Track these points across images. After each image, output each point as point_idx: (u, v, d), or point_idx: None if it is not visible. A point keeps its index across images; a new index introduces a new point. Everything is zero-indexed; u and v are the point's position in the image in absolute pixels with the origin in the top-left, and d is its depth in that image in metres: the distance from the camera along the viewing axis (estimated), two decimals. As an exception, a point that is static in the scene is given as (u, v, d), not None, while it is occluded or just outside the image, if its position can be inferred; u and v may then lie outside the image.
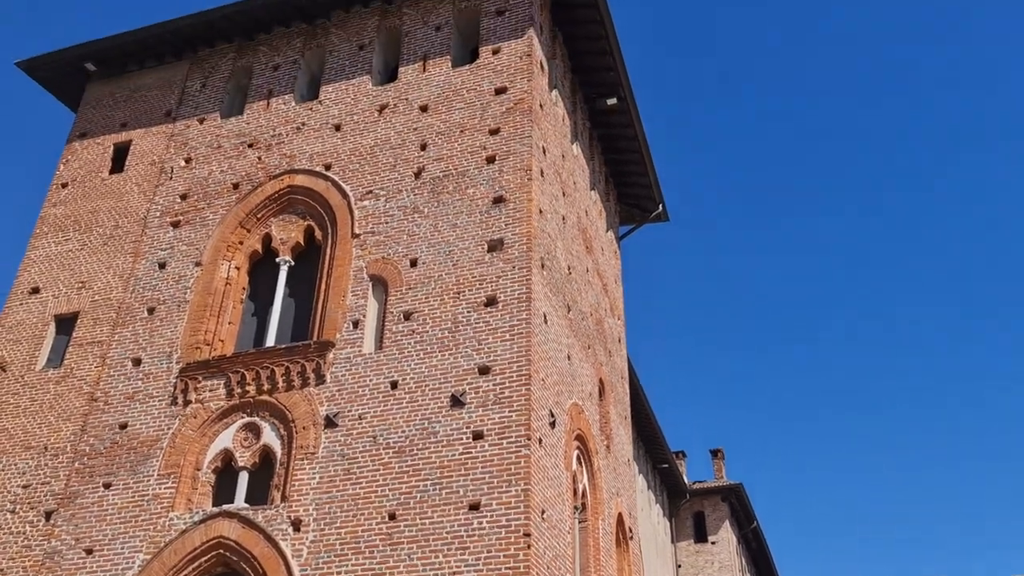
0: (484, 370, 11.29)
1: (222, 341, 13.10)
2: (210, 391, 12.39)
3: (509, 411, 10.90)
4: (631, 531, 15.74)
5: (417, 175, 13.40)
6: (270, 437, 11.84)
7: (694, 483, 33.62)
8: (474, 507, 10.31)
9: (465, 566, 9.97)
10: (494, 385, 11.18)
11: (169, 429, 12.22)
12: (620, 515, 15.17)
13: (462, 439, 10.87)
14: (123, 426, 12.46)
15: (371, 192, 13.54)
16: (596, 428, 14.55)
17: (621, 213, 20.17)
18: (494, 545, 10.01)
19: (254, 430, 11.98)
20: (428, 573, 10.06)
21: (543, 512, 10.61)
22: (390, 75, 15.19)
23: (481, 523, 10.21)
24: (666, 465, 29.34)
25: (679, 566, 32.16)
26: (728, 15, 52.94)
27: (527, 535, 9.98)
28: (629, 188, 19.65)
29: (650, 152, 18.47)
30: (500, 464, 10.55)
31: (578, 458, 13.26)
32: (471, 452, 10.75)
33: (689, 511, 32.76)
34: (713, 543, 32.34)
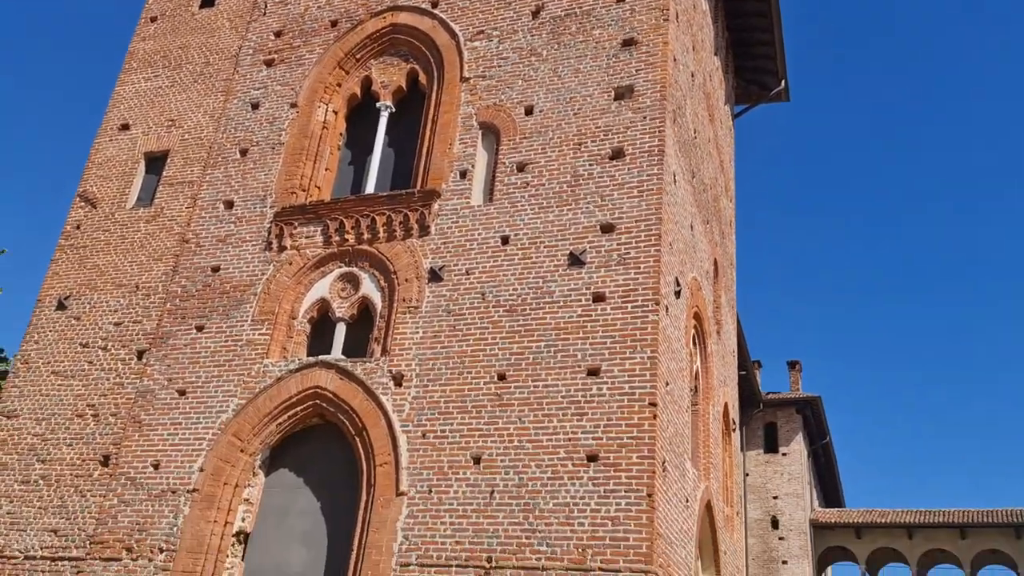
0: (607, 228, 10.18)
1: (318, 187, 12.23)
2: (306, 238, 11.60)
3: (635, 273, 9.83)
4: (734, 422, 14.82)
5: (535, 14, 12.01)
6: (369, 288, 11.05)
7: (768, 394, 32.58)
8: (593, 372, 9.40)
9: (582, 432, 9.13)
10: (618, 244, 10.08)
11: (263, 275, 11.52)
12: (726, 404, 14.22)
13: (581, 300, 9.88)
14: (215, 269, 11.82)
15: (483, 32, 12.23)
16: (710, 310, 13.44)
17: (737, 90, 18.45)
18: (615, 413, 9.12)
19: (352, 280, 11.20)
20: (540, 437, 9.26)
21: (667, 384, 9.65)
22: (506, -94, 13.58)
23: (601, 389, 9.30)
24: (743, 372, 28.28)
25: (747, 475, 31.46)
26: None
27: (653, 404, 9.05)
28: (750, 60, 17.86)
29: (781, 17, 16.60)
30: (623, 329, 9.56)
31: (694, 338, 12.22)
32: (591, 315, 9.76)
33: (760, 421, 31.78)
34: (784, 454, 31.48)
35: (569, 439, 9.13)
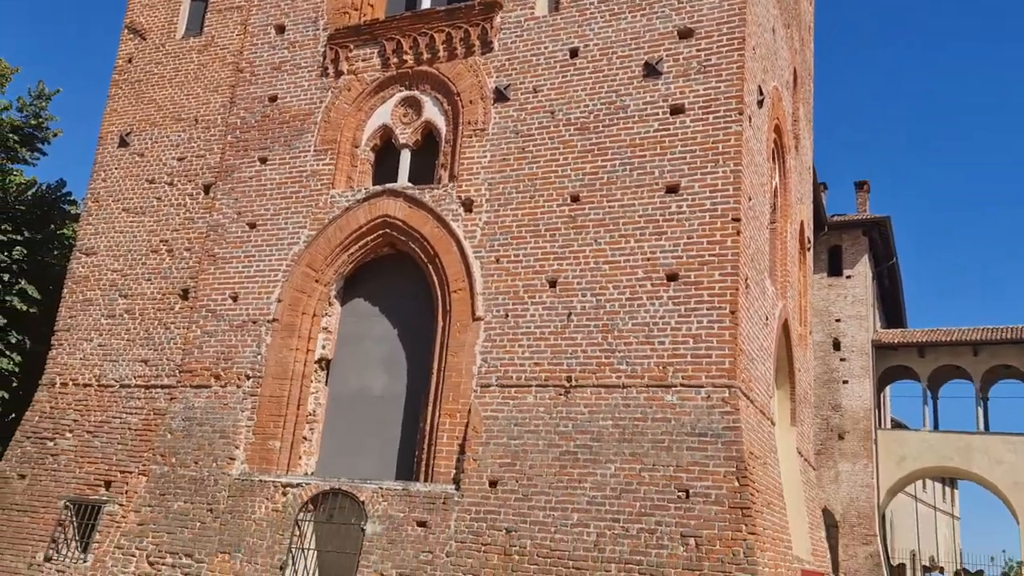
0: (685, 34, 9.41)
1: (371, 5, 11.53)
2: (363, 61, 11.06)
3: (716, 81, 9.16)
4: (809, 241, 14.38)
5: None
6: (432, 112, 10.60)
7: (833, 216, 31.65)
8: (672, 189, 8.99)
9: (661, 252, 8.86)
10: (697, 51, 9.34)
11: (322, 102, 11.12)
12: (802, 223, 13.73)
13: (657, 114, 9.31)
14: (273, 98, 11.44)
15: None
16: (789, 123, 12.68)
17: None
18: (696, 230, 8.79)
19: (414, 105, 10.74)
20: (618, 258, 9.03)
21: (750, 199, 9.21)
22: None
23: (680, 206, 8.93)
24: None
25: (809, 298, 31.12)
26: None
27: (736, 220, 8.68)
28: None
29: None
30: (704, 142, 9.03)
31: (773, 153, 11.58)
32: (668, 128, 9.22)
33: (825, 244, 31.08)
34: (848, 277, 30.96)
35: (648, 259, 8.88)
